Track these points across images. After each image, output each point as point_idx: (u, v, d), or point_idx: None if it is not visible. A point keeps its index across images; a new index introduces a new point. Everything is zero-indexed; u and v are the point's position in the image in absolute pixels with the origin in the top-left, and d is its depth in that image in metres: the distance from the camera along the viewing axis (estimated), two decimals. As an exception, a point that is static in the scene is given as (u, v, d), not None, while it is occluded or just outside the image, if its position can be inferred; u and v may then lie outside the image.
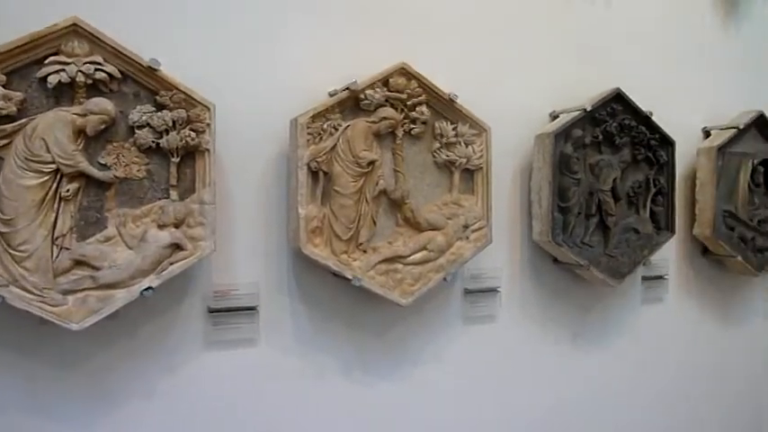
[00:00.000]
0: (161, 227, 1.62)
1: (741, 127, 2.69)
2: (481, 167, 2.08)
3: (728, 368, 2.96)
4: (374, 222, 1.92)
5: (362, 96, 1.88)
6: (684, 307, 2.80)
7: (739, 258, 2.71)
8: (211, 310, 1.81)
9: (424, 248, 1.97)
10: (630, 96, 2.37)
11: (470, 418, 2.26)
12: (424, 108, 1.96)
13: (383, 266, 1.91)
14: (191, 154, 1.66)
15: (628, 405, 2.65)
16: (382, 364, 2.10)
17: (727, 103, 2.87)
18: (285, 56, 1.91)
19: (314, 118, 1.79)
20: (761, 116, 2.77)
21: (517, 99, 2.31)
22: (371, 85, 1.88)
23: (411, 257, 1.95)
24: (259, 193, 1.88)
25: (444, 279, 2.00)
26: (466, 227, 2.05)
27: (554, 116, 2.35)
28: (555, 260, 2.38)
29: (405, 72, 1.92)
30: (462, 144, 2.04)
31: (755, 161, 2.77)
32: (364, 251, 1.90)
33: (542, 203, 2.20)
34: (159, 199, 1.64)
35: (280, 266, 1.92)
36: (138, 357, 1.75)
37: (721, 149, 2.64)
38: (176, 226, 1.64)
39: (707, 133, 2.79)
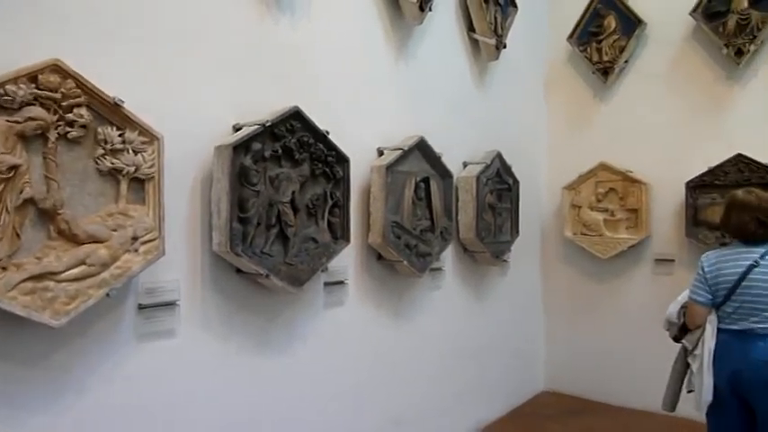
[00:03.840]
0: None
1: (406, 149, 3.11)
2: (153, 177, 2.00)
3: (401, 357, 3.38)
4: (17, 235, 1.70)
5: (2, 92, 1.65)
6: (363, 307, 3.10)
7: (405, 262, 3.11)
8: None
9: (83, 263, 1.81)
10: (314, 115, 2.56)
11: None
12: (83, 110, 1.81)
13: (29, 285, 1.70)
14: None
15: (315, 407, 2.82)
16: (39, 392, 1.85)
17: (398, 128, 3.29)
18: None
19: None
20: (422, 140, 3.24)
21: (200, 109, 2.29)
22: (14, 80, 1.67)
23: (66, 273, 1.77)
24: None
25: (107, 295, 1.86)
26: (135, 239, 1.94)
27: (237, 128, 2.39)
28: (238, 270, 2.41)
29: (58, 69, 1.75)
30: (130, 152, 1.94)
31: (418, 178, 3.23)
32: (4, 268, 1.66)
33: (221, 214, 2.21)
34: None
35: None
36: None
37: (390, 168, 3.00)
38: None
39: (381, 152, 3.15)
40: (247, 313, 2.49)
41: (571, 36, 4.78)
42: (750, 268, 2.60)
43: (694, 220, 4.23)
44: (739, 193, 2.79)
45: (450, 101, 3.79)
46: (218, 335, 2.38)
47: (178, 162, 2.19)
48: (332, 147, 2.66)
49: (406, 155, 3.12)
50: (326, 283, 2.86)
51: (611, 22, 4.60)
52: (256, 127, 2.31)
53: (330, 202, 2.69)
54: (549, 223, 4.99)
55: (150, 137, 1.98)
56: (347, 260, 2.95)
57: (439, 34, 3.68)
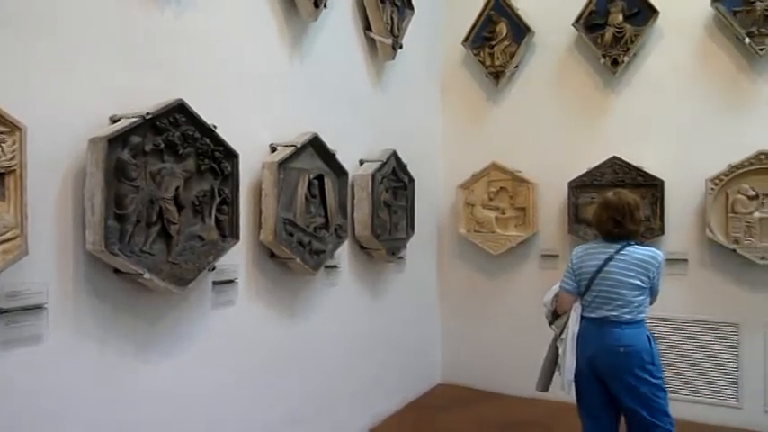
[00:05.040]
0: None
1: (299, 145, 3.08)
2: (14, 170, 1.85)
3: (297, 356, 3.35)
4: None
5: None
6: (255, 307, 3.04)
7: (298, 260, 3.09)
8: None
9: (-71, 264, 1.65)
10: (202, 109, 2.48)
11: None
12: (-72, 96, 1.64)
13: None
14: None
15: (205, 409, 2.73)
16: None
17: (292, 124, 3.26)
18: None
19: None
20: (316, 137, 3.22)
21: (73, 99, 2.14)
22: None
23: None
24: None
25: (-41, 299, 1.71)
26: (-8, 237, 1.79)
27: (115, 120, 2.26)
28: (116, 270, 2.28)
29: None
30: (-13, 143, 1.78)
31: (311, 176, 3.21)
32: None
33: (95, 211, 2.09)
34: None
35: None
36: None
37: (282, 164, 2.97)
38: None
39: (273, 149, 3.11)
40: (127, 315, 2.37)
41: (466, 40, 4.94)
42: (606, 262, 2.85)
43: (576, 218, 4.52)
44: (609, 193, 3.03)
45: (346, 99, 3.80)
46: (94, 338, 2.24)
47: (47, 155, 2.04)
48: (219, 142, 2.58)
49: (299, 152, 3.10)
50: (215, 283, 2.78)
51: (502, 28, 4.81)
52: (135, 119, 2.20)
53: (218, 199, 2.61)
54: (444, 221, 5.15)
55: (11, 127, 1.83)
56: (237, 258, 2.88)
57: (335, 32, 3.68)
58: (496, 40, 4.82)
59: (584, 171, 4.45)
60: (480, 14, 4.88)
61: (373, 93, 4.15)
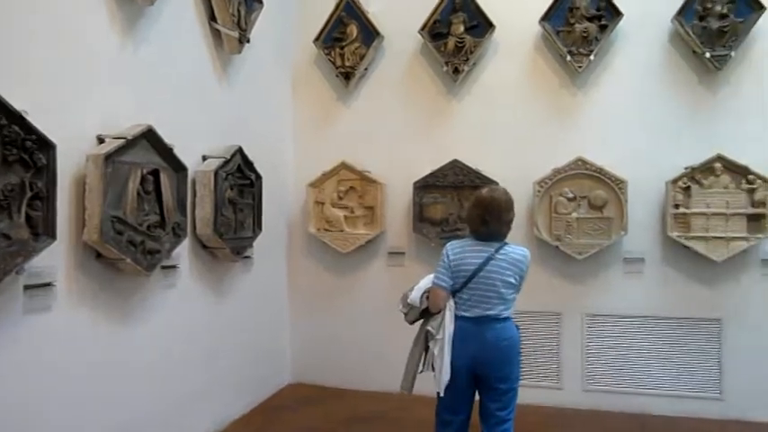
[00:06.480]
0: None
1: (130, 138, 2.88)
2: None
3: (132, 361, 3.13)
4: None
5: None
6: (77, 312, 2.78)
7: (129, 261, 2.88)
8: None
9: None
10: (10, 93, 2.22)
11: None
12: None
13: None
14: None
15: (24, 424, 2.46)
16: None
17: (125, 115, 3.04)
18: None
19: None
20: (150, 130, 3.03)
21: None
22: None
23: None
24: None
25: None
26: None
27: None
28: None
29: None
30: None
31: (145, 170, 3.02)
32: None
33: None
34: None
35: None
36: None
37: (110, 157, 2.75)
38: None
39: (102, 140, 2.87)
40: None
41: (317, 39, 4.95)
42: (487, 261, 2.82)
43: (420, 217, 4.71)
44: (483, 190, 2.96)
45: (188, 91, 3.63)
46: None
47: None
48: (31, 130, 2.33)
49: (131, 144, 2.90)
50: (27, 287, 2.49)
51: (353, 30, 4.88)
52: None
53: (29, 194, 2.35)
54: (294, 219, 5.11)
55: None
56: (56, 260, 2.61)
57: (176, 20, 3.49)
58: (347, 42, 4.89)
59: (428, 172, 4.66)
60: (331, 15, 4.92)
61: (219, 86, 4.01)
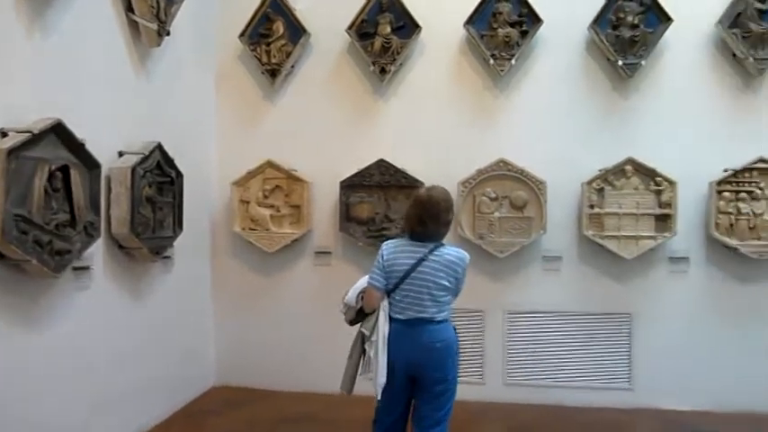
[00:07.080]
0: None
1: (36, 132, 2.72)
2: None
3: (40, 367, 2.96)
4: None
5: None
6: (-24, 317, 2.61)
7: (35, 262, 2.72)
8: None
9: None
10: None
11: None
12: None
13: None
14: None
15: None
16: None
17: (31, 107, 2.86)
18: None
19: None
20: (59, 124, 2.88)
21: None
22: None
23: None
24: None
25: None
26: None
27: None
28: None
29: None
30: None
31: (54, 166, 2.86)
32: None
33: None
34: None
35: None
36: None
37: (13, 152, 2.59)
38: None
39: (4, 134, 2.70)
40: None
41: (242, 34, 4.86)
42: (420, 262, 2.78)
43: (347, 216, 4.71)
44: (422, 190, 2.94)
45: (102, 85, 3.47)
46: None
47: None
48: None
49: (37, 139, 2.74)
50: None
51: (279, 26, 4.82)
52: None
53: None
54: (217, 218, 5.00)
55: None
56: (-50, 261, 2.45)
57: (89, 8, 3.32)
58: (273, 38, 4.82)
59: (355, 172, 4.67)
60: (257, 10, 4.83)
61: (136, 80, 3.85)
